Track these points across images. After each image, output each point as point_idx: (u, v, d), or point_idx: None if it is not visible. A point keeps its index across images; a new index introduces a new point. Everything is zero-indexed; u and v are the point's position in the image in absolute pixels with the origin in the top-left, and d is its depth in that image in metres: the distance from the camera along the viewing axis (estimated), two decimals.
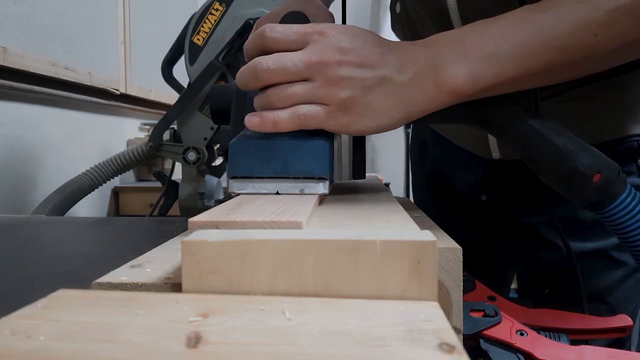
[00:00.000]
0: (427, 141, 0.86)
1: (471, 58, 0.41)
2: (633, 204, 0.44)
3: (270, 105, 0.42)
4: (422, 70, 0.42)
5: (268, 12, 0.80)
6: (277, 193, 0.42)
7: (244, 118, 0.43)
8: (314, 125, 0.42)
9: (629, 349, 0.66)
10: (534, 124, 0.44)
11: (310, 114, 0.42)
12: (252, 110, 0.44)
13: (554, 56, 0.41)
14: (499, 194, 0.74)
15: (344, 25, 0.44)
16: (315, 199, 0.40)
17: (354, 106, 0.41)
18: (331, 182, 0.45)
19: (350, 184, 0.61)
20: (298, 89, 0.41)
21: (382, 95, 0.42)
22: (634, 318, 0.64)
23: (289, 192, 0.42)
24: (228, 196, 0.43)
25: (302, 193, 0.42)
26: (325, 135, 0.44)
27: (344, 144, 0.52)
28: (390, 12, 0.77)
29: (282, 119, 0.42)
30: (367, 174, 0.57)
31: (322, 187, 0.43)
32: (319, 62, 0.41)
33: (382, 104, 0.42)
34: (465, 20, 0.59)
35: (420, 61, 0.42)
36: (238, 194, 0.42)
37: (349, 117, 0.42)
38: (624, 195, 0.44)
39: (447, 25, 0.60)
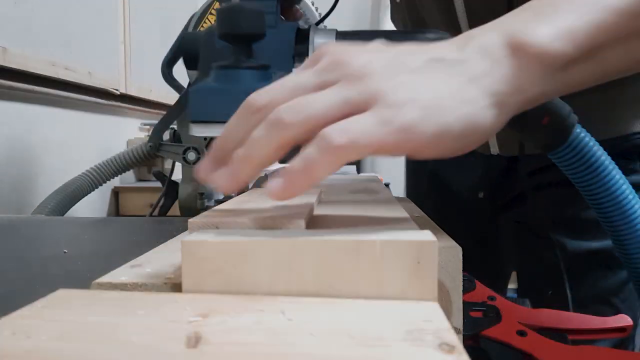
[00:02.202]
0: None
1: (551, 13, 0.30)
2: None
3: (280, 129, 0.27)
4: (488, 43, 0.29)
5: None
6: None
7: (209, 67, 0.40)
8: (367, 151, 0.26)
9: (631, 349, 0.66)
10: None
11: (356, 135, 0.25)
12: (221, 59, 0.41)
13: None
14: (497, 191, 0.74)
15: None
16: (316, 196, 0.37)
17: (408, 92, 0.26)
18: None
19: (349, 184, 0.61)
20: (313, 100, 0.27)
21: (439, 74, 0.28)
22: (636, 319, 0.64)
23: None
24: (228, 196, 0.42)
25: None
26: None
27: None
28: (390, 1, 0.77)
29: (314, 160, 0.26)
30: (366, 174, 0.54)
31: None
32: (333, 61, 0.28)
33: (446, 84, 0.27)
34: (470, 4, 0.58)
35: (481, 37, 0.30)
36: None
37: (411, 113, 0.26)
38: None
39: (452, 10, 0.60)
